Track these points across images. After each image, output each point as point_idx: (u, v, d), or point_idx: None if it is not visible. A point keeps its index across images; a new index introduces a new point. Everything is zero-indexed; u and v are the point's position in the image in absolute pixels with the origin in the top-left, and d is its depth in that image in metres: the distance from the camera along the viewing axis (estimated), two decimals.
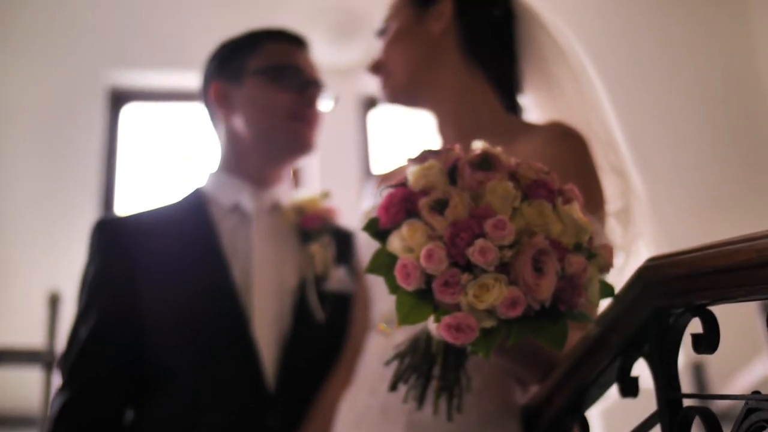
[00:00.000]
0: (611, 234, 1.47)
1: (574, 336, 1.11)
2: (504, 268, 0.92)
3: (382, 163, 4.48)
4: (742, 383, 3.39)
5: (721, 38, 4.83)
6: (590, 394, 1.22)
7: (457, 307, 0.92)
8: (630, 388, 1.12)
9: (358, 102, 4.48)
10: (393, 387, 1.19)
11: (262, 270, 1.70)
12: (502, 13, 1.61)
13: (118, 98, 4.42)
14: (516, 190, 0.96)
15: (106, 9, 4.40)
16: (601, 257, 0.99)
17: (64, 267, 3.11)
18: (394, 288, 0.96)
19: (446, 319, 0.91)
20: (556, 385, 1.24)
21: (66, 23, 4.33)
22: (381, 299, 1.53)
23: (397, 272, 0.94)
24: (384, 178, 1.67)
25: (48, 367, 3.10)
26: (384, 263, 0.97)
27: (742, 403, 0.86)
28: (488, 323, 0.91)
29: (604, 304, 1.08)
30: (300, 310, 1.69)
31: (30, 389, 3.27)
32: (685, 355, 1.03)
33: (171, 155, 4.40)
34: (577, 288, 0.94)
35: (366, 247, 1.56)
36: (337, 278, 1.76)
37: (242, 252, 1.73)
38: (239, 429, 1.57)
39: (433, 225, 0.94)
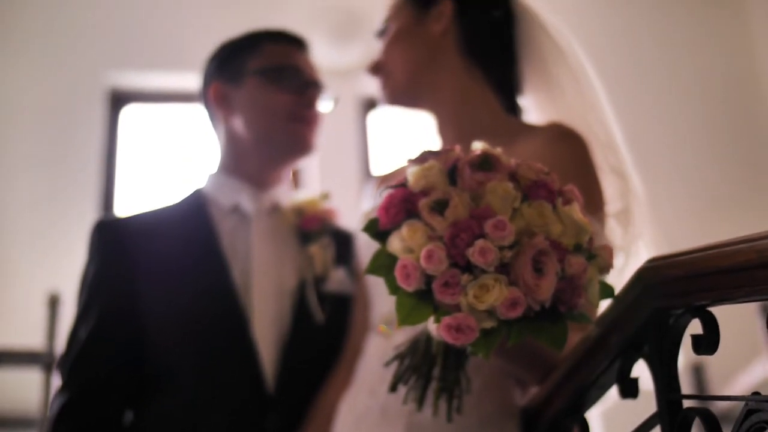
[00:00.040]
0: (611, 235, 1.47)
1: (574, 337, 1.11)
2: (504, 268, 0.92)
3: (381, 165, 4.48)
4: (742, 385, 3.39)
5: (720, 38, 4.83)
6: (590, 395, 1.22)
7: (457, 308, 0.92)
8: (630, 390, 1.12)
9: (358, 103, 4.48)
10: (393, 388, 1.19)
11: (261, 271, 1.70)
12: (502, 14, 1.61)
13: (118, 99, 4.41)
14: (516, 191, 0.96)
15: (106, 10, 4.40)
16: (601, 258, 0.99)
17: (64, 268, 3.11)
18: (394, 289, 0.96)
19: (446, 319, 0.91)
20: (556, 386, 1.24)
21: (66, 24, 4.33)
22: (381, 300, 1.53)
23: (397, 273, 0.94)
24: (384, 180, 1.67)
25: (47, 368, 3.10)
26: (384, 264, 0.97)
27: (742, 404, 0.86)
28: (488, 324, 0.91)
29: (604, 305, 1.08)
30: (299, 311, 1.69)
31: (29, 390, 3.27)
32: (684, 356, 1.03)
33: (171, 156, 4.40)
34: (577, 289, 0.94)
35: (366, 248, 1.56)
36: (337, 279, 1.76)
37: (242, 253, 1.72)
38: (239, 430, 1.57)
39: (433, 225, 0.94)
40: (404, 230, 0.95)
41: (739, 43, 4.85)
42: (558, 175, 1.01)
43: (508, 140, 1.39)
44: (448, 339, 0.91)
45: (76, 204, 4.00)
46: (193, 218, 1.77)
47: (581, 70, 1.58)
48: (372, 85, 1.71)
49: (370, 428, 1.40)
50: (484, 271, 0.91)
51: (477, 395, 1.33)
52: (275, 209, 1.82)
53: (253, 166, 1.82)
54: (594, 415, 1.41)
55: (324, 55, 3.98)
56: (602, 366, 1.14)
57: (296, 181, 2.16)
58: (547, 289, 0.91)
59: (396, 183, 1.00)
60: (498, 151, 1.01)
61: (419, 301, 0.94)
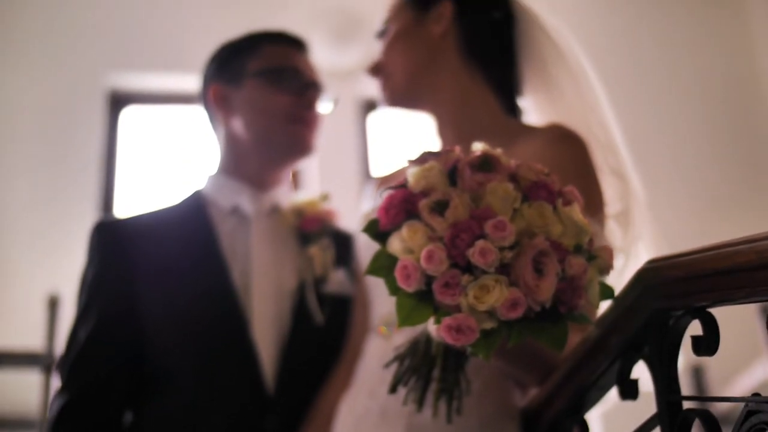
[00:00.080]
0: (611, 236, 1.47)
1: (574, 338, 1.11)
2: (504, 269, 0.92)
3: (381, 166, 4.48)
4: (741, 386, 3.39)
5: (720, 38, 4.83)
6: (590, 396, 1.22)
7: (457, 309, 0.92)
8: (630, 391, 1.12)
9: (358, 105, 4.48)
10: (392, 389, 1.19)
11: (261, 272, 1.70)
12: (501, 15, 1.61)
13: (118, 101, 4.41)
14: (516, 192, 0.96)
15: (106, 11, 4.40)
16: (601, 259, 0.99)
17: (64, 269, 3.11)
18: (394, 289, 0.96)
19: (446, 320, 0.91)
20: (556, 387, 1.24)
21: (66, 26, 4.33)
22: (380, 301, 1.53)
23: (398, 273, 0.94)
24: (383, 181, 1.67)
25: (47, 369, 3.10)
26: (384, 264, 0.97)
27: (742, 405, 0.86)
28: (489, 324, 0.91)
29: (604, 306, 1.08)
30: (299, 312, 1.69)
31: (29, 392, 3.27)
32: (684, 358, 1.03)
33: (170, 158, 4.39)
34: (578, 289, 0.94)
35: (365, 249, 1.56)
36: (337, 280, 1.76)
37: (241, 254, 1.72)
38: (238, 431, 1.56)
39: (434, 226, 0.94)
40: (404, 231, 0.95)
41: (739, 43, 4.85)
42: (558, 177, 1.01)
43: (507, 141, 1.39)
44: (449, 340, 0.91)
45: (75, 205, 4.00)
46: (192, 219, 1.77)
47: (581, 71, 1.58)
48: (372, 87, 1.70)
49: (370, 429, 1.40)
50: (484, 272, 0.91)
51: (477, 396, 1.33)
52: (275, 210, 1.82)
53: (253, 167, 1.82)
54: (594, 417, 1.41)
55: (324, 57, 3.98)
56: (602, 367, 1.14)
57: (296, 183, 2.16)
58: (547, 289, 0.91)
59: (396, 184, 1.00)
60: (498, 152, 1.01)
61: (419, 301, 0.94)
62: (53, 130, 4.16)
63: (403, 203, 0.96)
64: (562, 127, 1.50)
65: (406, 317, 0.95)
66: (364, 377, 1.49)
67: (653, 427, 1.03)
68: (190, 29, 4.32)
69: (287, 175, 1.87)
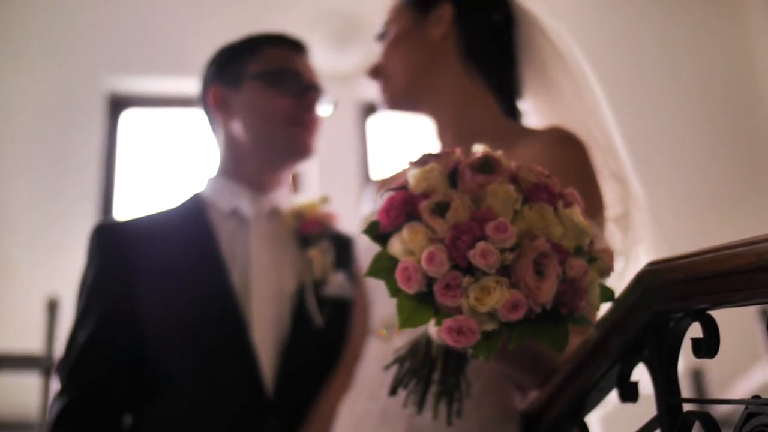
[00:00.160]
0: (611, 239, 1.47)
1: (574, 341, 1.11)
2: (505, 271, 0.92)
3: (381, 169, 4.48)
4: (741, 390, 3.39)
5: (720, 38, 4.83)
6: (590, 398, 1.22)
7: (458, 310, 0.92)
8: (630, 393, 1.12)
9: (358, 107, 4.48)
10: (392, 391, 1.19)
11: (260, 275, 1.70)
12: (501, 17, 1.61)
13: (118, 104, 4.42)
14: (517, 194, 0.96)
15: (106, 14, 4.40)
16: (601, 261, 0.99)
17: (63, 272, 3.11)
18: (394, 291, 0.96)
19: (447, 322, 0.91)
20: (556, 389, 1.24)
21: (65, 28, 4.33)
22: (380, 304, 1.53)
23: (398, 275, 0.94)
24: (383, 184, 1.67)
25: (46, 372, 3.09)
26: (385, 266, 0.97)
27: (742, 408, 0.86)
28: (489, 326, 0.91)
29: (604, 308, 1.08)
30: (299, 314, 1.69)
31: (28, 395, 3.27)
32: (684, 361, 1.02)
33: (170, 160, 4.40)
34: (579, 291, 0.94)
35: (365, 251, 1.56)
36: (336, 283, 1.76)
37: (241, 257, 1.72)
38: None
39: (434, 228, 0.94)
40: (405, 232, 0.95)
41: (738, 43, 4.85)
42: (558, 179, 1.01)
43: (507, 144, 1.39)
44: (450, 341, 0.91)
45: (75, 208, 4.00)
46: (192, 222, 1.77)
47: (581, 74, 1.58)
48: (371, 90, 1.71)
49: None
50: (485, 274, 0.91)
51: (477, 399, 1.33)
52: (274, 213, 1.82)
53: (253, 170, 1.82)
54: (594, 419, 1.41)
55: (323, 60, 3.98)
56: (602, 369, 1.14)
57: (296, 185, 2.16)
58: (548, 291, 0.91)
59: (397, 185, 1.00)
60: (499, 153, 1.01)
61: (420, 303, 0.94)
62: (53, 133, 4.16)
63: (403, 205, 0.96)
64: (562, 130, 1.50)
65: (406, 319, 0.95)
66: (363, 379, 1.49)
67: (653, 430, 1.03)
68: (190, 32, 4.32)
69: (287, 178, 1.87)
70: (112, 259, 1.70)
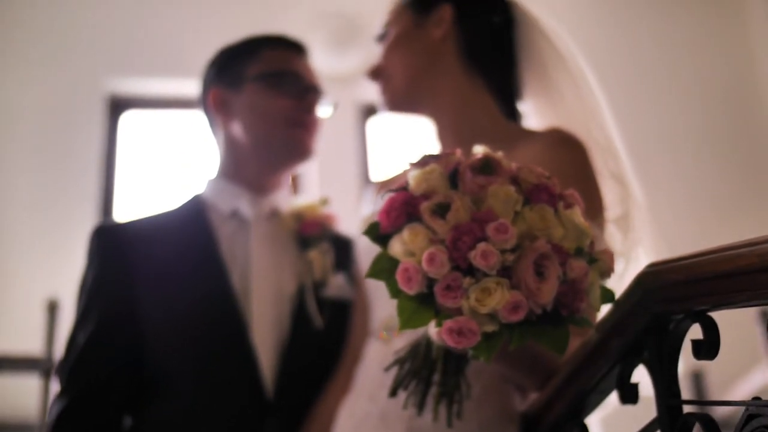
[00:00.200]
0: (611, 240, 1.47)
1: (574, 343, 1.11)
2: (506, 272, 0.91)
3: (380, 170, 4.49)
4: (741, 392, 3.39)
5: (720, 39, 4.83)
6: (590, 400, 1.22)
7: (458, 311, 0.92)
8: (630, 395, 1.12)
9: (357, 109, 4.48)
10: (393, 393, 1.18)
11: (260, 276, 1.70)
12: (501, 19, 1.61)
13: (117, 105, 4.42)
14: (518, 195, 0.96)
15: (106, 16, 4.40)
16: (602, 262, 0.99)
17: (63, 274, 3.11)
18: (395, 292, 0.96)
19: (448, 323, 0.91)
20: (556, 391, 1.24)
21: (65, 30, 4.33)
22: (380, 305, 1.53)
23: (399, 276, 0.93)
24: (383, 185, 1.67)
25: (46, 374, 3.09)
26: (385, 267, 0.97)
27: (742, 409, 0.86)
28: (490, 327, 0.91)
29: (604, 310, 1.08)
30: (298, 316, 1.69)
31: (28, 396, 3.26)
32: (684, 363, 1.02)
33: (170, 162, 4.40)
34: (579, 292, 0.94)
35: (365, 253, 1.55)
36: (336, 284, 1.76)
37: (241, 258, 1.72)
38: None
39: (435, 229, 0.94)
40: (405, 233, 0.95)
41: (739, 43, 4.85)
42: (558, 181, 1.01)
43: (507, 145, 1.38)
44: (450, 343, 0.91)
45: (75, 209, 4.00)
46: (192, 224, 1.77)
47: (581, 75, 1.58)
48: (371, 92, 1.70)
49: None
50: (486, 275, 0.91)
51: (477, 400, 1.33)
52: (274, 214, 1.82)
53: (253, 172, 1.82)
54: (594, 421, 1.41)
55: (323, 61, 3.98)
56: (602, 371, 1.14)
57: (295, 187, 2.16)
58: (548, 292, 0.91)
59: (397, 186, 1.00)
60: (499, 155, 1.01)
61: (420, 304, 0.94)
62: (53, 135, 4.16)
63: (404, 206, 0.96)
64: (562, 131, 1.50)
65: (407, 320, 0.95)
66: (364, 381, 1.49)
67: (653, 431, 1.03)
68: (190, 34, 4.32)
69: (287, 179, 1.87)
70: (112, 261, 1.69)
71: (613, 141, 1.53)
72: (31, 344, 3.31)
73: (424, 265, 0.91)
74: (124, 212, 4.17)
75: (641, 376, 1.09)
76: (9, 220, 3.97)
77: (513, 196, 0.95)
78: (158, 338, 1.62)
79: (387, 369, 1.21)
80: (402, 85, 1.61)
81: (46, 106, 4.19)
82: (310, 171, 4.06)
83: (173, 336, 1.62)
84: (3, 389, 3.42)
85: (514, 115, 1.63)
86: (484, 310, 0.90)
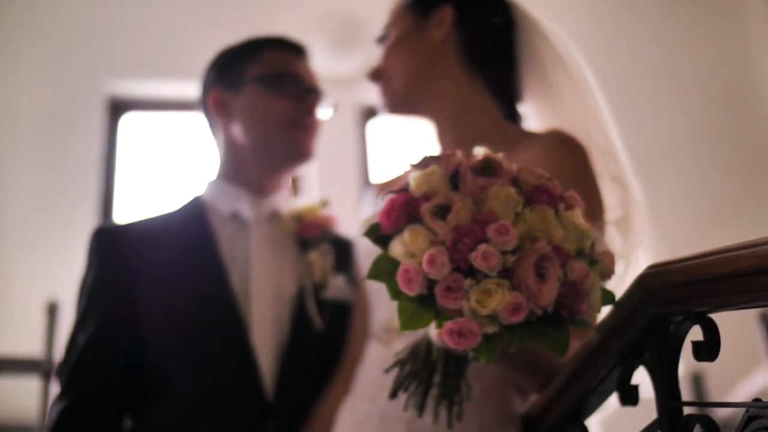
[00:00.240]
0: (611, 242, 1.47)
1: (574, 344, 1.11)
2: (506, 273, 0.91)
3: (380, 172, 4.48)
4: (741, 394, 3.38)
5: (720, 39, 4.83)
6: (590, 402, 1.22)
7: (459, 313, 0.92)
8: (630, 397, 1.12)
9: (358, 111, 4.48)
10: (393, 395, 1.18)
11: (260, 278, 1.70)
12: (502, 21, 1.61)
13: (118, 107, 4.42)
14: (518, 196, 0.96)
15: (106, 18, 4.40)
16: (603, 264, 0.99)
17: (63, 275, 3.11)
18: (395, 294, 0.96)
19: (448, 324, 0.91)
20: (556, 393, 1.24)
21: (65, 31, 4.33)
22: (380, 307, 1.53)
23: (399, 278, 0.93)
24: (383, 187, 1.67)
25: (46, 376, 3.09)
26: (385, 269, 0.97)
27: (742, 411, 0.86)
28: (491, 329, 0.91)
29: (604, 311, 1.08)
30: (298, 318, 1.69)
31: (28, 398, 3.26)
32: (684, 365, 1.02)
33: (170, 164, 4.40)
34: (580, 294, 0.94)
35: (365, 255, 1.55)
36: (336, 286, 1.76)
37: (241, 260, 1.72)
38: None
39: (436, 230, 0.94)
40: (406, 235, 0.95)
41: (739, 43, 4.85)
42: (558, 183, 1.01)
43: (507, 147, 1.38)
44: (451, 344, 0.91)
45: (75, 211, 4.00)
46: (192, 225, 1.77)
47: (581, 77, 1.58)
48: (372, 93, 1.70)
49: None
50: (486, 276, 0.91)
51: (477, 402, 1.33)
52: (274, 216, 1.82)
53: (253, 173, 1.82)
54: (594, 423, 1.41)
55: (323, 63, 3.98)
56: (602, 373, 1.14)
57: (296, 188, 2.16)
58: (549, 294, 0.91)
59: (398, 188, 1.00)
60: (500, 156, 1.01)
61: (421, 306, 0.94)
62: (53, 136, 4.16)
63: (404, 207, 0.96)
64: (562, 133, 1.50)
65: (407, 321, 0.95)
66: (364, 383, 1.49)
67: None
68: (189, 35, 4.32)
69: (287, 181, 1.87)
70: (112, 263, 1.69)
71: (614, 143, 1.53)
72: (31, 346, 3.31)
73: (425, 267, 0.91)
74: (124, 214, 4.17)
75: (641, 377, 1.09)
76: (9, 221, 3.97)
77: (514, 198, 0.95)
78: (158, 340, 1.62)
79: (387, 370, 1.21)
80: (402, 87, 1.61)
81: (46, 107, 4.19)
82: (310, 173, 4.05)
83: (173, 338, 1.62)
84: (3, 391, 3.42)
85: (514, 117, 1.63)
86: (484, 311, 0.90)
